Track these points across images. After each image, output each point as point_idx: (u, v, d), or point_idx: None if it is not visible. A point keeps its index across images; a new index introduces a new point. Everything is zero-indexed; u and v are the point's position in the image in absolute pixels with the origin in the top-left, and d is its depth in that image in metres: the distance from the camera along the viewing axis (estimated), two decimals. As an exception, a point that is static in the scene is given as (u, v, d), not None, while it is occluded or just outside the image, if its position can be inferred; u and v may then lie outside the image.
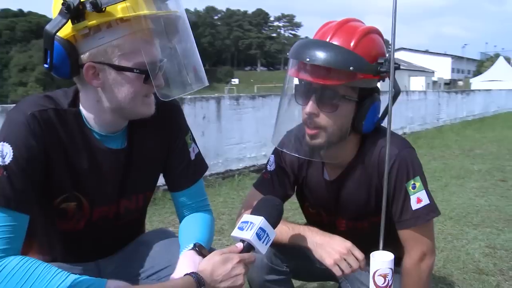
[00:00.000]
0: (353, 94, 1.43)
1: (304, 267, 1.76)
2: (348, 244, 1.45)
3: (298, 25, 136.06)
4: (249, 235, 1.18)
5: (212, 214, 1.57)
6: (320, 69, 1.37)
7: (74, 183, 1.33)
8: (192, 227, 1.47)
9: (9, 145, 1.19)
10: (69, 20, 1.17)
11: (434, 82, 35.56)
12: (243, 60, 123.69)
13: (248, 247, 1.19)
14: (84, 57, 1.22)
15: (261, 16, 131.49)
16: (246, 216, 1.25)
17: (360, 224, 1.65)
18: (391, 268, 1.18)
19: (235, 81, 79.45)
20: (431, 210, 1.49)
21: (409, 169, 1.46)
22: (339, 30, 1.42)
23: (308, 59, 1.37)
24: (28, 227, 1.21)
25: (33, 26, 68.71)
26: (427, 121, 11.74)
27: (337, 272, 1.43)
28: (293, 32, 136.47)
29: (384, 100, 1.39)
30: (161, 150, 1.48)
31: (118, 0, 1.17)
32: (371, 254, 1.22)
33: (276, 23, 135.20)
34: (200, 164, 1.56)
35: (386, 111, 1.52)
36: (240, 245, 1.20)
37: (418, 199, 1.47)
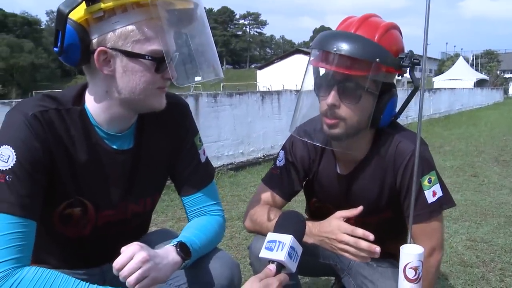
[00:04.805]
0: (375, 88, 1.44)
1: (308, 262, 1.77)
2: (333, 228, 1.45)
3: (264, 23, 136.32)
4: (282, 256, 1.14)
5: (222, 218, 1.48)
6: (346, 59, 1.38)
7: (78, 187, 1.26)
8: (188, 228, 1.40)
9: (11, 148, 1.12)
10: (83, 2, 1.11)
11: (398, 81, 36.31)
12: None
13: (279, 267, 1.18)
14: (96, 42, 1.16)
15: (226, 14, 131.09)
16: (272, 235, 1.21)
17: (368, 220, 1.65)
18: (421, 261, 1.20)
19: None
20: (444, 202, 1.53)
21: (425, 164, 1.49)
22: (362, 24, 1.43)
23: (335, 49, 1.37)
24: None
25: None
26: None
27: (349, 257, 1.44)
28: (258, 30, 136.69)
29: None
30: (169, 151, 1.41)
31: None
32: (401, 247, 1.23)
33: (241, 21, 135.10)
34: (210, 168, 1.50)
35: (404, 107, 1.56)
36: (273, 267, 1.15)
37: (433, 192, 1.50)
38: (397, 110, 1.58)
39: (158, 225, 3.74)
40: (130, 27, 1.14)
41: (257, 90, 26.63)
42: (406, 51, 1.47)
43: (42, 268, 1.11)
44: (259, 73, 56.61)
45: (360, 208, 1.48)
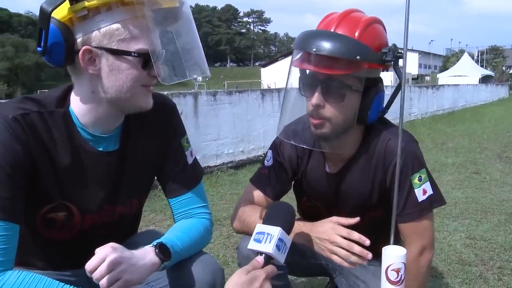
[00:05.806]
0: (359, 85, 1.42)
1: (299, 262, 1.75)
2: (327, 229, 1.43)
3: (267, 21, 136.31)
4: (269, 248, 1.14)
5: (209, 221, 1.45)
6: (327, 59, 1.35)
7: (61, 191, 1.24)
8: (172, 230, 1.37)
9: None
10: (67, 1, 1.10)
11: (402, 77, 36.21)
12: (212, 57, 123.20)
13: (267, 259, 1.16)
14: (80, 41, 1.13)
15: (230, 12, 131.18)
16: (260, 227, 1.20)
17: (360, 219, 1.64)
18: (403, 263, 1.17)
19: (205, 77, 79.45)
20: (435, 200, 1.51)
21: (414, 162, 1.47)
22: (343, 20, 1.41)
23: (314, 49, 1.35)
24: None
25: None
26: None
27: (337, 260, 1.40)
28: (262, 28, 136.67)
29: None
30: (156, 152, 1.39)
31: None
32: (383, 249, 1.21)
33: (245, 19, 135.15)
34: (198, 169, 1.48)
35: (391, 102, 1.54)
36: (260, 259, 1.15)
37: (424, 190, 1.48)
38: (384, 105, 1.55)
39: (156, 223, 3.73)
40: (115, 26, 1.13)
41: (261, 87, 26.61)
42: (402, 46, 1.44)
43: (25, 272, 1.09)
44: (263, 70, 56.68)
45: (357, 219, 1.45)
